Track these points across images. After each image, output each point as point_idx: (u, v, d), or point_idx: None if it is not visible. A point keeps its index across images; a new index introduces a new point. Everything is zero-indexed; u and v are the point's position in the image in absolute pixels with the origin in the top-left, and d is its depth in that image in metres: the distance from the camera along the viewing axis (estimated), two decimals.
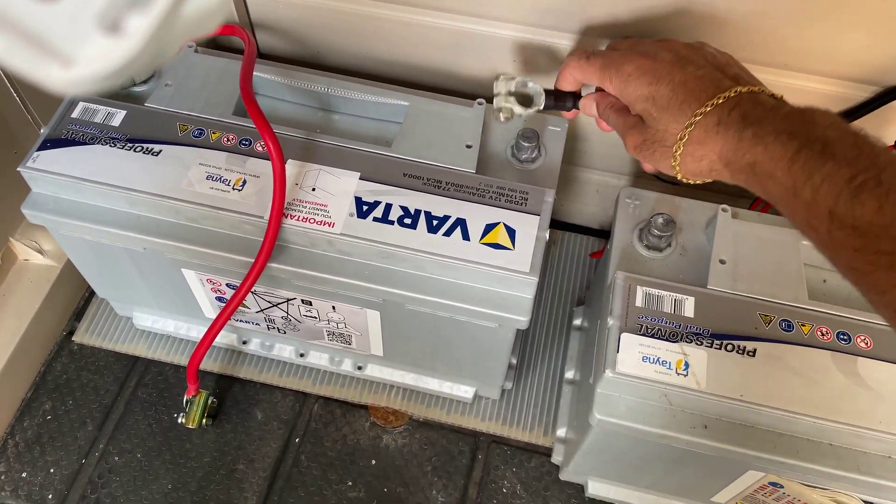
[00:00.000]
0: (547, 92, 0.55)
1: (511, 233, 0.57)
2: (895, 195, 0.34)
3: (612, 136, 0.74)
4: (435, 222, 0.57)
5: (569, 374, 0.75)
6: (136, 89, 0.65)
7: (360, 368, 0.74)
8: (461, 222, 0.57)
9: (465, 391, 0.73)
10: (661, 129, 0.45)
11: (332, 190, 0.58)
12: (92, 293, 0.82)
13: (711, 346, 0.52)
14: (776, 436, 0.51)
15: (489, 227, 0.57)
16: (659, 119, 0.45)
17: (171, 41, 0.22)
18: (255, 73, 0.64)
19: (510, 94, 0.57)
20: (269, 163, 0.56)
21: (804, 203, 0.38)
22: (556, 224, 0.88)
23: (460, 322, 0.59)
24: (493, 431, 0.74)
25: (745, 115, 0.42)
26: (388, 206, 0.58)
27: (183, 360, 0.77)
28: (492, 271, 0.55)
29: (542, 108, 0.56)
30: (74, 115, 0.60)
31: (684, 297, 0.55)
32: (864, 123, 0.63)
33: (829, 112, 0.41)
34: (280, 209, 0.55)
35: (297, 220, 0.57)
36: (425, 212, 0.58)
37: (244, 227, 0.58)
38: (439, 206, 0.58)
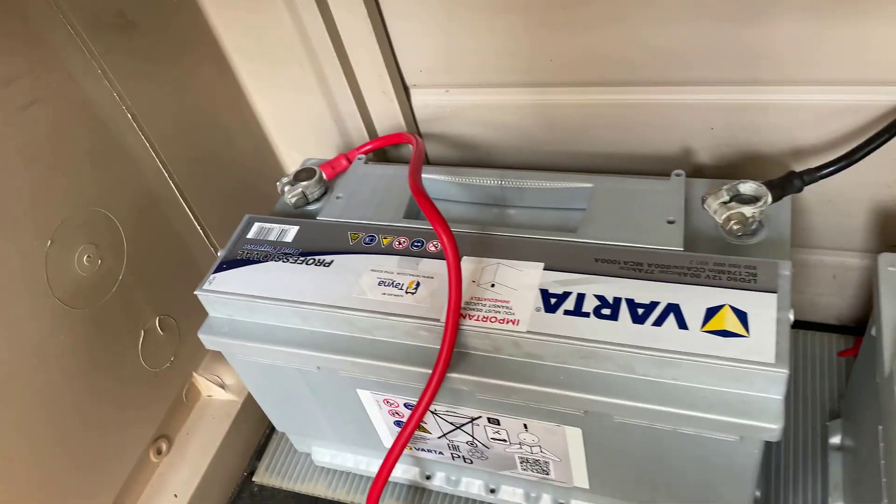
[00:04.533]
0: (767, 184, 0.51)
1: (742, 316, 0.45)
2: None
3: (845, 205, 0.61)
4: (640, 311, 0.47)
5: None
6: (309, 207, 0.64)
7: None
8: (674, 308, 0.47)
9: None
10: None
11: (513, 284, 0.51)
12: (272, 430, 0.78)
13: None
14: None
15: (711, 312, 0.46)
16: None
17: None
18: (423, 175, 0.61)
19: (726, 203, 0.50)
20: (443, 262, 0.50)
21: None
22: None
23: (687, 436, 0.46)
24: None
25: None
26: (581, 297, 0.49)
27: (364, 500, 0.69)
28: (723, 365, 0.43)
29: (770, 202, 0.51)
30: (250, 235, 0.59)
31: None
32: None
33: None
34: (457, 307, 0.48)
35: (477, 319, 0.49)
36: (627, 299, 0.48)
37: (420, 334, 0.51)
38: (643, 291, 0.48)
